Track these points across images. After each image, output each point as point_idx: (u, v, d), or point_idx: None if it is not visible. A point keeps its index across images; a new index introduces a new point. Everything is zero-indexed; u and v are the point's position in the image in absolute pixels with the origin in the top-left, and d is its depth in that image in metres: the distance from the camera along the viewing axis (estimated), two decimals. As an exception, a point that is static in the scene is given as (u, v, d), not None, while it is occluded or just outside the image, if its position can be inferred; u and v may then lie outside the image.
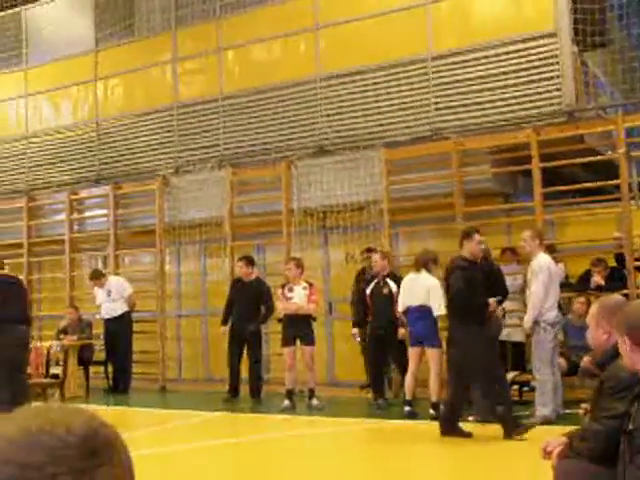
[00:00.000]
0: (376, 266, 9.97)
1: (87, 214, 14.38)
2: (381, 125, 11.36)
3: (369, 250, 10.77)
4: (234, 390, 10.95)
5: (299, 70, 12.05)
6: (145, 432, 8.60)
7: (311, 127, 11.90)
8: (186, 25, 13.29)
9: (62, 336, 12.22)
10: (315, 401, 10.03)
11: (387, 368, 10.36)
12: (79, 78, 14.28)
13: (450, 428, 7.53)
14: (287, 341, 10.15)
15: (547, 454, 3.66)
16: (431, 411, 8.75)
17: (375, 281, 9.86)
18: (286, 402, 9.98)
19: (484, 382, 7.62)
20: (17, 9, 15.20)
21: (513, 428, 7.32)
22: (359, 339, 10.31)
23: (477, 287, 7.73)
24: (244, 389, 10.95)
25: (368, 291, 9.86)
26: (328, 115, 11.76)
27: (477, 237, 8.01)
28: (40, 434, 0.79)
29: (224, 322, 11.07)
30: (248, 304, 10.81)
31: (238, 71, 12.76)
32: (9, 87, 15.16)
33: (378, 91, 11.39)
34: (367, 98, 11.47)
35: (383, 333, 9.65)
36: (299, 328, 10.06)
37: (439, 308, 8.77)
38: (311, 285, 10.26)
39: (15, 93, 15.05)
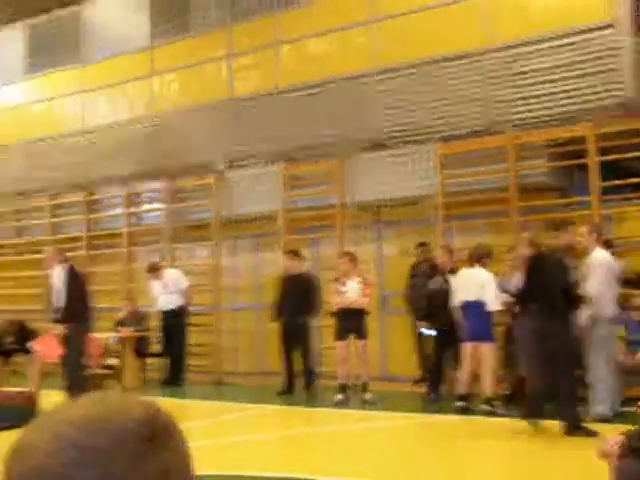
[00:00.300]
0: (438, 261, 9.96)
1: (144, 208, 14.57)
2: (436, 119, 11.29)
3: (422, 244, 10.73)
4: (289, 384, 11.01)
5: (355, 64, 12.04)
6: (200, 424, 8.70)
7: (366, 121, 11.89)
8: (242, 20, 13.36)
9: (119, 328, 12.43)
10: (368, 395, 10.04)
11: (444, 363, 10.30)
12: (135, 74, 14.46)
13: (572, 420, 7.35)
14: (340, 335, 10.17)
15: (604, 454, 3.57)
16: (484, 406, 8.71)
17: (436, 276, 9.83)
18: (339, 396, 10.01)
19: (570, 375, 7.52)
20: (75, 7, 15.44)
21: (575, 427, 7.24)
22: (429, 332, 10.18)
23: (573, 277, 7.79)
24: (299, 383, 11.00)
25: (430, 286, 9.83)
26: (383, 109, 11.73)
27: (576, 229, 8.07)
28: (102, 420, 0.82)
29: (275, 317, 11.13)
30: (296, 298, 10.84)
31: (293, 65, 12.79)
32: (67, 84, 15.42)
33: (434, 85, 11.33)
34: (423, 92, 11.41)
35: (443, 328, 9.61)
36: (352, 322, 10.08)
37: (494, 303, 8.71)
38: (365, 279, 10.26)
39: (73, 89, 15.30)
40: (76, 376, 9.52)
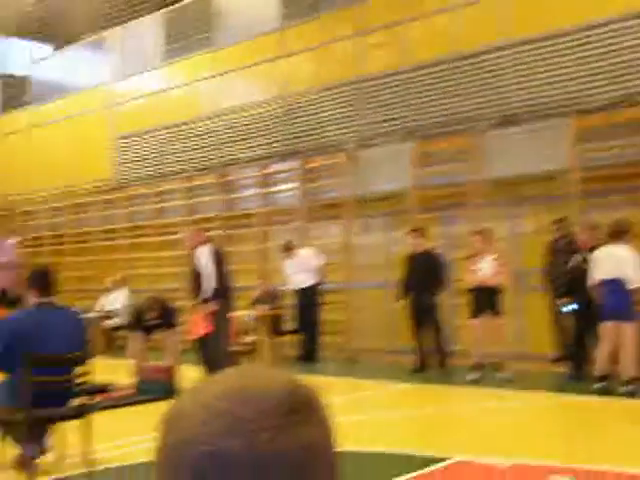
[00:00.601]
0: (579, 239, 9.70)
1: (277, 188, 14.80)
2: (571, 92, 10.95)
3: (560, 220, 10.45)
4: (421, 362, 10.99)
5: (486, 38, 11.81)
6: (334, 401, 8.77)
7: (498, 96, 11.66)
8: (370, -1, 13.32)
9: (255, 306, 12.71)
10: (503, 374, 9.91)
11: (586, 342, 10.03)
12: (267, 55, 14.67)
13: None
14: (475, 313, 10.08)
15: None
16: (624, 388, 8.44)
17: (576, 253, 9.58)
18: (474, 374, 9.93)
19: None
20: (208, -8, 15.79)
21: None
22: (567, 308, 9.94)
23: None
24: (432, 361, 10.97)
25: (570, 264, 9.60)
26: (516, 84, 11.48)
27: None
28: (247, 391, 0.85)
29: (401, 295, 11.13)
30: (423, 276, 10.79)
31: (423, 42, 12.66)
32: (201, 68, 15.81)
33: (568, 57, 10.99)
34: (556, 64, 11.09)
35: (583, 307, 9.37)
36: (487, 300, 9.96)
37: (635, 280, 8.41)
38: (499, 256, 10.11)
39: (207, 73, 15.67)
40: (220, 353, 9.83)
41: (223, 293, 9.95)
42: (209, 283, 9.80)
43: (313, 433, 0.85)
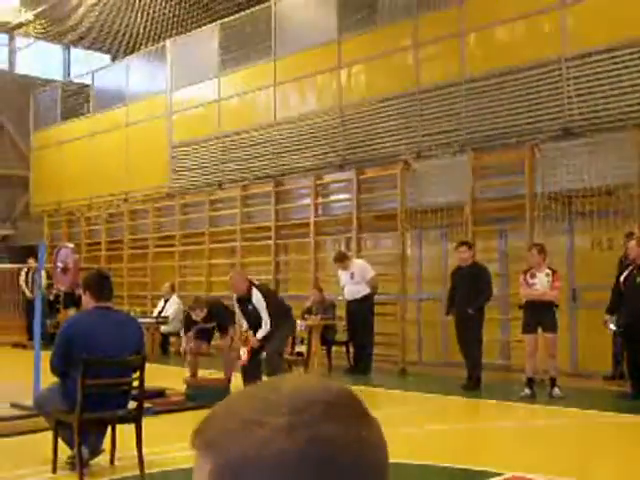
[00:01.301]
0: (631, 253, 9.53)
1: (331, 198, 14.82)
2: (632, 105, 10.78)
3: (629, 235, 10.22)
4: (469, 376, 10.84)
5: (543, 50, 11.71)
6: (383, 412, 8.76)
7: (556, 109, 11.54)
8: (428, 10, 13.29)
9: (307, 316, 12.72)
10: (556, 390, 9.76)
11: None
12: (323, 66, 14.72)
13: None
14: (529, 328, 9.95)
15: None
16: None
17: (630, 269, 9.42)
18: (526, 390, 9.80)
19: None
20: (267, 3, 15.92)
21: None
22: (612, 327, 9.80)
23: None
24: (487, 376, 10.84)
25: (622, 278, 9.45)
26: (574, 96, 11.34)
27: None
28: (307, 388, 0.87)
29: (447, 309, 11.05)
30: (467, 289, 10.70)
31: (480, 54, 12.61)
32: (260, 78, 15.93)
33: (630, 69, 10.82)
34: (617, 77, 10.93)
35: (633, 322, 9.21)
36: (541, 315, 9.83)
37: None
38: (554, 272, 9.98)
39: (264, 83, 15.78)
40: (276, 361, 9.90)
41: (285, 318, 10.21)
42: (266, 325, 9.92)
43: (364, 436, 0.87)
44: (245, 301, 10.05)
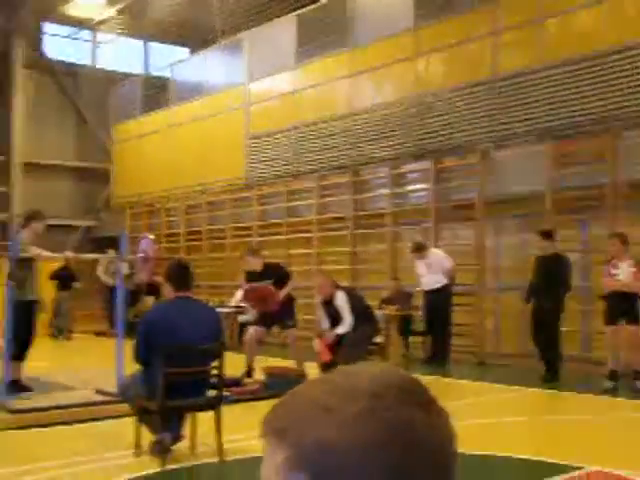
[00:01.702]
0: None
1: (408, 188, 14.75)
2: None
3: None
4: (551, 368, 10.69)
5: (625, 35, 11.41)
6: (461, 403, 8.71)
7: (638, 95, 11.24)
8: (507, -4, 13.10)
9: (384, 306, 12.71)
10: (639, 384, 9.56)
11: None
12: (400, 55, 14.64)
13: None
14: (611, 319, 9.76)
15: None
16: None
17: None
18: (608, 383, 9.61)
19: None
20: (342, -7, 15.91)
21: None
22: None
23: None
24: (568, 368, 10.67)
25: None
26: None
27: None
28: (379, 374, 0.88)
29: (526, 299, 10.90)
30: (546, 279, 10.52)
31: (560, 40, 12.35)
32: (336, 68, 15.93)
33: None
34: None
35: None
36: (624, 306, 9.63)
37: None
38: (638, 262, 9.75)
39: (341, 73, 15.78)
40: (354, 351, 9.95)
41: (366, 322, 10.35)
42: (345, 326, 10.12)
43: (433, 423, 0.87)
44: (329, 303, 10.28)
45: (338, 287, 10.46)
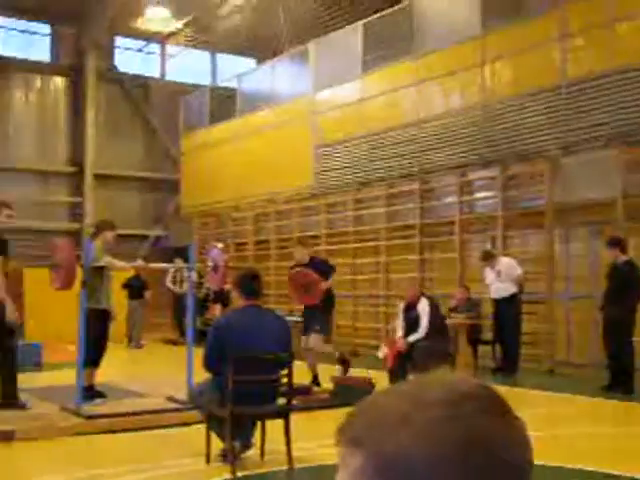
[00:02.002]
0: None
1: (476, 196, 14.63)
2: None
3: None
4: (619, 379, 10.45)
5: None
6: (530, 413, 8.59)
7: None
8: (576, 0, 12.91)
9: (452, 315, 12.62)
10: None
11: None
12: (466, 63, 14.54)
13: None
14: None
15: None
16: None
17: None
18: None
19: None
20: (409, 1, 15.87)
21: None
22: None
23: None
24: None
25: None
26: None
27: None
28: (451, 382, 0.88)
29: (601, 307, 10.69)
30: (617, 288, 10.31)
31: (629, 43, 12.12)
32: (401, 77, 15.90)
33: None
34: None
35: None
36: None
37: None
38: None
39: (408, 81, 15.74)
40: (424, 361, 9.94)
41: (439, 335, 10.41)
42: (423, 329, 10.22)
43: (507, 434, 0.87)
44: (411, 308, 10.41)
45: (423, 294, 10.58)
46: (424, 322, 10.18)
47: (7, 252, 8.66)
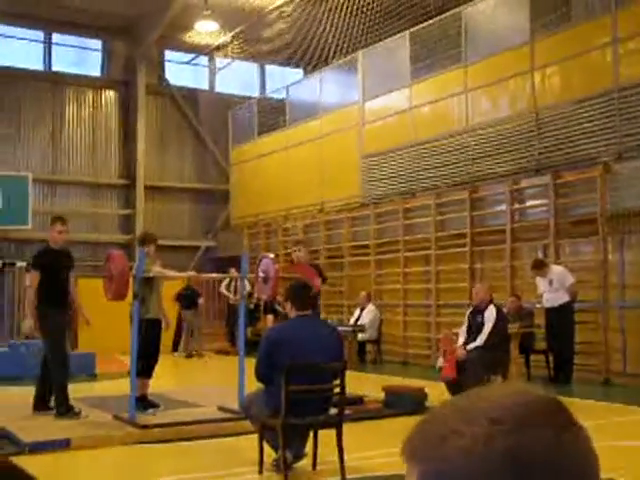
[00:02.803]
0: None
1: (527, 204, 14.48)
2: None
3: None
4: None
5: None
6: (587, 425, 8.44)
7: None
8: (627, 4, 12.75)
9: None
10: None
11: None
12: (516, 70, 14.43)
13: None
14: None
15: None
16: None
17: None
18: None
19: None
20: (457, 9, 15.81)
21: None
22: None
23: None
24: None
25: None
26: None
27: None
28: (508, 394, 0.88)
29: None
30: None
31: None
32: (450, 84, 15.83)
33: None
34: None
35: None
36: None
37: None
38: None
39: (456, 89, 15.67)
40: (478, 371, 9.86)
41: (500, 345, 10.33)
42: (482, 338, 10.14)
43: (581, 443, 0.87)
44: (478, 313, 10.38)
45: (492, 301, 10.56)
46: (486, 330, 10.10)
47: (62, 266, 8.85)
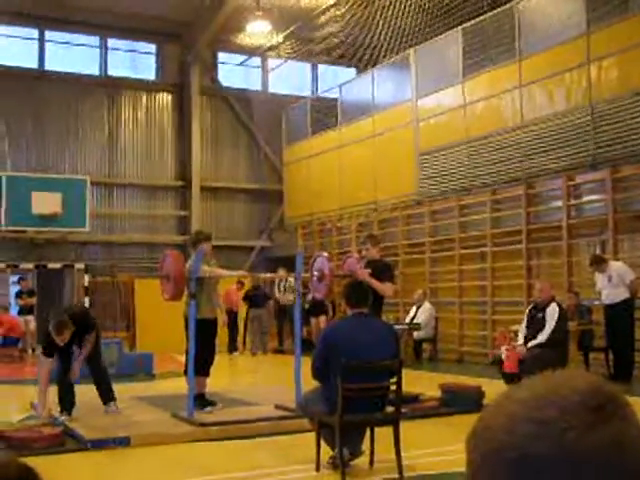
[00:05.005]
0: None
1: (584, 199, 14.27)
2: None
3: None
4: None
5: None
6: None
7: None
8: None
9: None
10: None
11: None
12: (571, 63, 14.22)
13: None
14: None
15: None
16: None
17: None
18: None
19: None
20: (509, 4, 15.64)
21: None
22: None
23: None
24: None
25: None
26: None
27: None
28: (549, 394, 0.87)
29: None
30: None
31: None
32: (505, 79, 15.68)
33: None
34: None
35: None
36: None
37: None
38: None
39: (510, 84, 15.50)
40: (535, 371, 9.77)
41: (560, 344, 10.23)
42: (545, 335, 10.07)
43: (621, 429, 0.86)
44: (539, 310, 10.31)
45: (554, 298, 10.51)
46: (548, 328, 10.02)
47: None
